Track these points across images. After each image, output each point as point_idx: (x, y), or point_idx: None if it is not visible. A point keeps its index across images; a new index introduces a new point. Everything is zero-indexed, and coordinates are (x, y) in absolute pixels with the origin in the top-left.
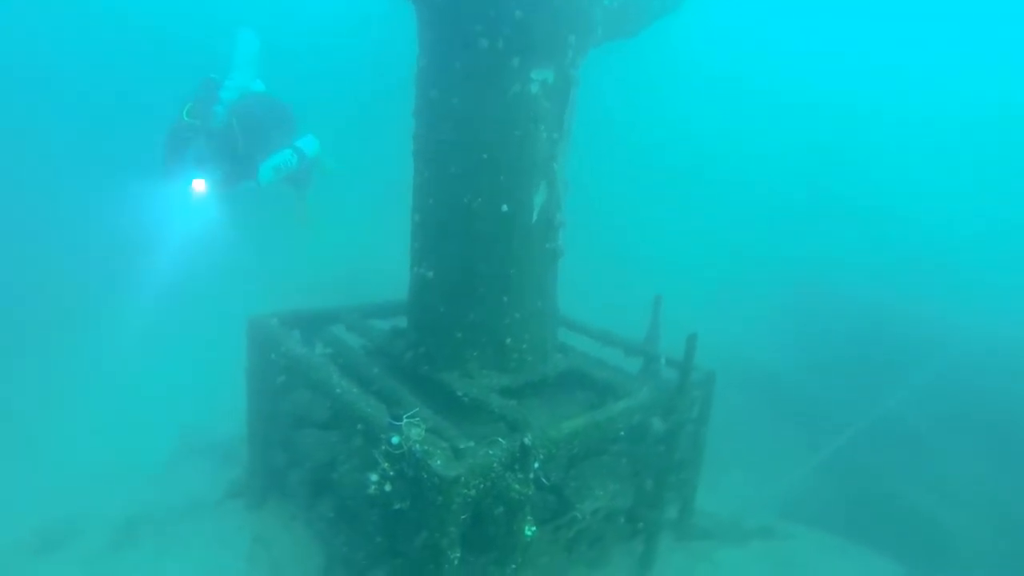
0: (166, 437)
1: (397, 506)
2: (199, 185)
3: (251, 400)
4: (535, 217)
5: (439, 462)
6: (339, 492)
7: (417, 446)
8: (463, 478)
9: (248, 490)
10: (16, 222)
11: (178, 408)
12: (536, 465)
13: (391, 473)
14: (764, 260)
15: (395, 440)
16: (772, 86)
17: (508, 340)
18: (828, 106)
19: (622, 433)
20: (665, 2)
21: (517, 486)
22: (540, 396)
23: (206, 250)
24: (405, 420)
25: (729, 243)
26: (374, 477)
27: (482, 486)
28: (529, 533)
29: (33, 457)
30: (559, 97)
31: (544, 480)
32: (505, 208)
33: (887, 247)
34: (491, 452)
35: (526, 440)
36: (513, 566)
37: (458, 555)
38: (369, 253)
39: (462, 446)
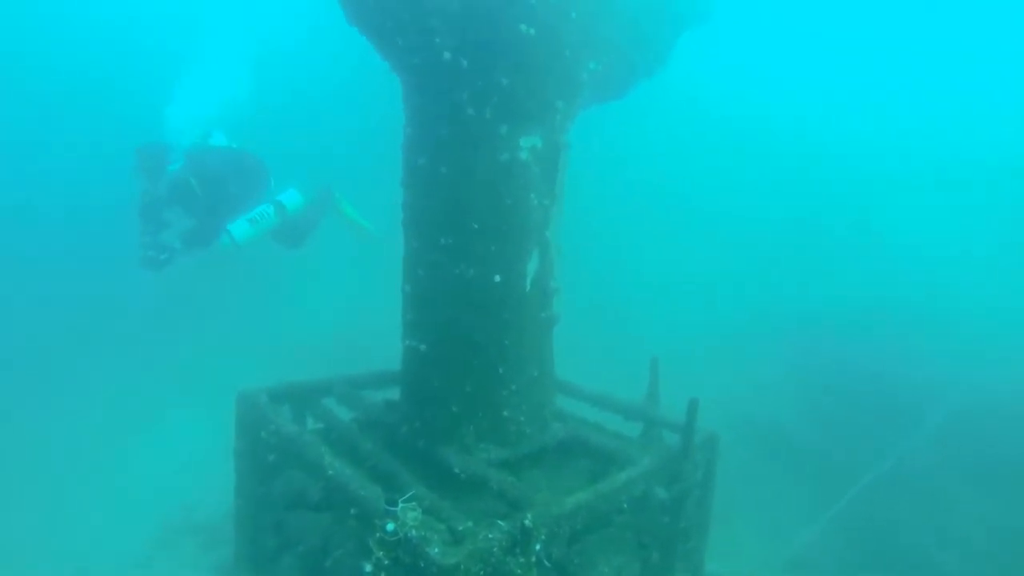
0: (148, 519)
1: None
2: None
3: (240, 480)
4: (529, 285)
5: (436, 550)
6: None
7: (413, 532)
8: (462, 566)
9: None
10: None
11: (159, 486)
12: (538, 547)
13: (386, 562)
14: (761, 310)
15: (390, 527)
16: (766, 127)
17: (505, 412)
18: (828, 147)
19: (626, 504)
20: (651, 64)
21: (519, 571)
22: (540, 467)
23: (190, 314)
24: (400, 505)
25: (725, 293)
26: (368, 568)
27: (482, 573)
28: None
29: (14, 541)
30: (549, 163)
31: (546, 562)
32: (498, 278)
33: (890, 293)
34: (491, 536)
35: (526, 521)
36: None
37: None
38: (360, 316)
39: (460, 527)
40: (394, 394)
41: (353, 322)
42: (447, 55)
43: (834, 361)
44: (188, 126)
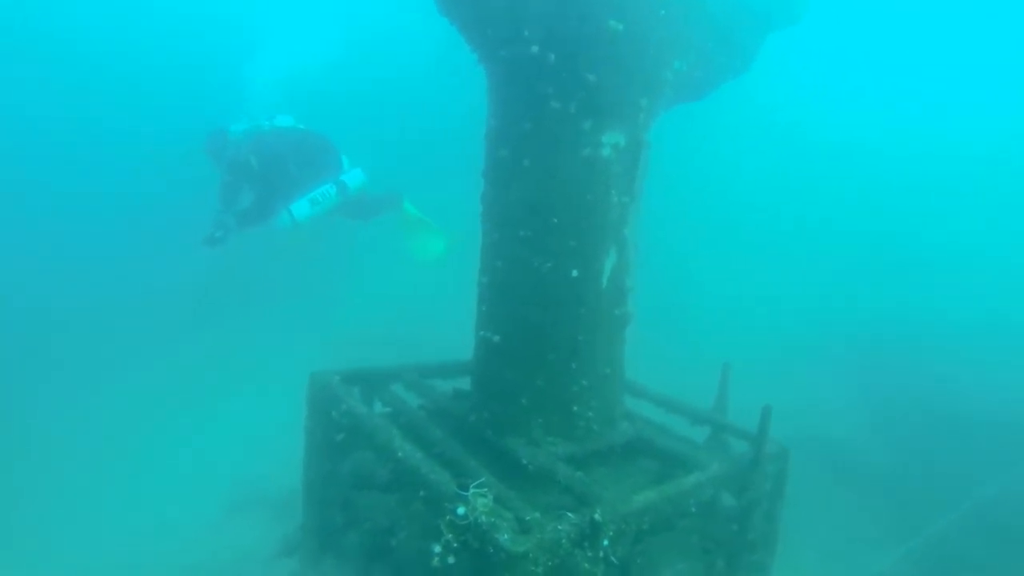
0: (220, 488)
1: None
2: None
3: (309, 458)
4: (605, 282)
5: (506, 536)
6: (397, 559)
7: (483, 518)
8: (531, 554)
9: (302, 549)
10: (79, 267)
11: (232, 459)
12: (605, 542)
13: (455, 545)
14: (835, 322)
15: (461, 511)
16: (839, 140)
17: (575, 407)
18: (900, 157)
19: (693, 509)
20: (735, 66)
21: (587, 565)
22: (606, 465)
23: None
24: (472, 490)
25: (797, 302)
26: (437, 548)
27: (550, 563)
28: None
29: (97, 504)
30: (630, 161)
31: (612, 558)
32: (575, 273)
33: (971, 309)
34: (560, 527)
35: (596, 516)
36: None
37: None
38: (427, 308)
39: (528, 518)
40: (461, 384)
41: (412, 310)
42: (535, 48)
43: (909, 381)
44: (265, 87)
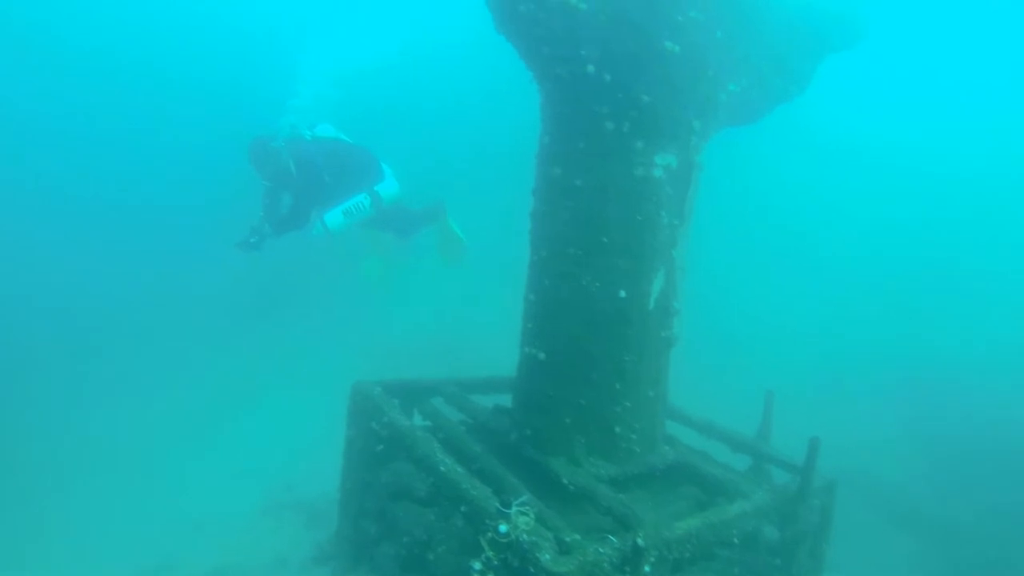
0: (253, 491)
1: None
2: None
3: (347, 466)
4: (652, 304)
5: (547, 556)
6: (433, 573)
7: (525, 536)
8: None
9: (336, 557)
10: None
11: (266, 463)
12: (647, 568)
13: (495, 562)
14: (879, 355)
15: (503, 528)
16: (893, 163)
17: (618, 428)
18: (962, 187)
19: (735, 539)
20: (789, 89)
21: None
22: (646, 489)
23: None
24: (515, 508)
25: (844, 331)
26: (477, 565)
27: None
28: None
29: (133, 501)
30: (682, 182)
31: None
32: (623, 293)
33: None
34: (601, 550)
35: (639, 540)
36: None
37: None
38: (464, 324)
39: (568, 539)
40: (501, 400)
41: (451, 323)
42: (591, 68)
43: (958, 415)
44: (315, 90)
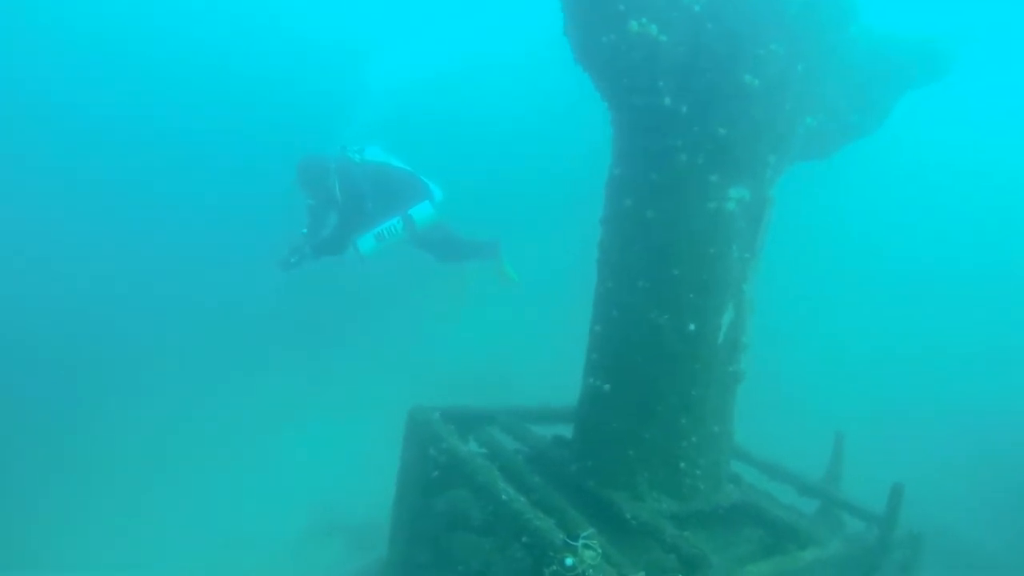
0: (298, 513)
1: None
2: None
3: (401, 492)
4: (721, 338)
5: None
6: None
7: (591, 572)
8: None
9: None
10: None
11: (310, 485)
12: None
13: None
14: (956, 395)
15: (569, 561)
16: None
17: (683, 464)
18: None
19: None
20: (865, 123)
21: None
22: (708, 528)
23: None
24: (581, 541)
25: (915, 370)
26: None
27: None
28: None
29: (179, 519)
30: (754, 217)
31: None
32: (692, 327)
33: None
34: None
35: None
36: None
37: None
38: (518, 352)
39: None
40: (559, 431)
41: (503, 350)
42: (667, 100)
43: None
44: (375, 100)
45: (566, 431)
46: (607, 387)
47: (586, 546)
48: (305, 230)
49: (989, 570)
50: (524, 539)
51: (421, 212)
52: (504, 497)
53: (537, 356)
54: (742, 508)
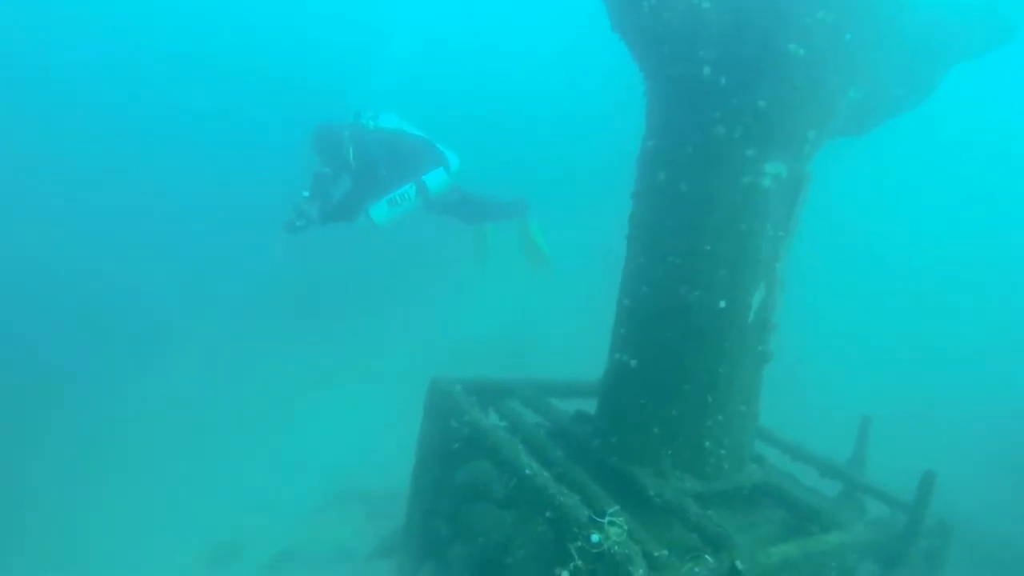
0: (315, 480)
1: None
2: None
3: (420, 463)
4: (752, 316)
5: (641, 572)
6: None
7: (616, 548)
8: None
9: (402, 552)
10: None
11: (328, 453)
12: None
13: (584, 572)
14: (992, 385)
15: (595, 538)
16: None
17: (707, 443)
18: None
19: (833, 573)
20: (910, 96)
21: None
22: (731, 508)
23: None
24: (608, 518)
25: (950, 355)
26: (565, 574)
27: None
28: None
29: (200, 485)
30: (789, 193)
31: None
32: (722, 304)
33: None
34: (696, 570)
35: (738, 564)
36: None
37: None
38: (536, 323)
39: (656, 554)
40: (580, 405)
41: (521, 321)
42: (707, 69)
43: None
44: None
45: (587, 405)
46: (634, 363)
47: (612, 523)
48: (307, 192)
49: (1018, 565)
50: (548, 514)
51: (435, 178)
52: (528, 471)
53: (552, 329)
54: (764, 489)
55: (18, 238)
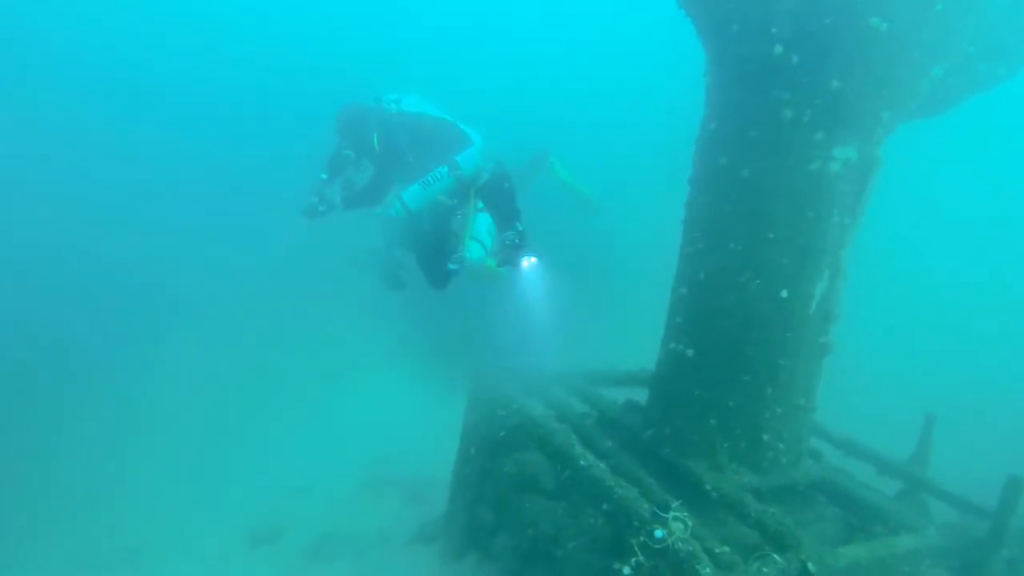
0: (353, 464)
1: None
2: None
3: (465, 451)
4: (813, 307)
5: (708, 570)
6: (561, 570)
7: (680, 544)
8: None
9: (445, 539)
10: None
11: (365, 438)
12: None
13: (647, 567)
14: None
15: (659, 533)
16: None
17: (765, 436)
18: None
19: None
20: (997, 72)
21: None
22: (786, 503)
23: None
24: (672, 513)
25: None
26: (627, 570)
27: None
28: None
29: (239, 468)
30: (858, 179)
31: None
32: (784, 293)
33: None
34: (764, 570)
35: (810, 566)
36: None
37: None
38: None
39: (717, 551)
40: (627, 395)
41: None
42: (779, 48)
43: None
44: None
45: (634, 394)
46: (690, 352)
47: (676, 519)
48: (324, 175)
49: None
50: (605, 507)
51: (467, 157)
52: (583, 462)
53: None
54: (821, 485)
55: (63, 230)
